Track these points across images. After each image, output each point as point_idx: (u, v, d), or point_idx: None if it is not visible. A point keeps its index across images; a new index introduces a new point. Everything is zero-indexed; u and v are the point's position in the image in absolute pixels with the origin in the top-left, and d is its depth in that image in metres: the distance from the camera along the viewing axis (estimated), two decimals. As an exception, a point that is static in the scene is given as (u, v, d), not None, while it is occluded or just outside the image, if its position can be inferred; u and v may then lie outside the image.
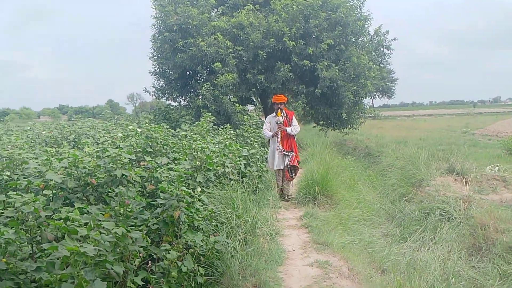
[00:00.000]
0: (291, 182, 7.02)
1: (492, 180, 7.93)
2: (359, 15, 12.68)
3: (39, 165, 3.97)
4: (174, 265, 3.18)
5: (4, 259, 2.12)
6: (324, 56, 11.64)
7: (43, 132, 9.17)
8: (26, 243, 2.71)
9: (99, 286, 2.00)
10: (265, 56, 11.26)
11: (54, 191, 3.81)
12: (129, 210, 2.96)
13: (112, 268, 2.24)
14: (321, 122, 14.45)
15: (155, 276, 3.06)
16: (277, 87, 11.70)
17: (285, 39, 10.93)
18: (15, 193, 3.13)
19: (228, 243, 3.91)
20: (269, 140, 7.32)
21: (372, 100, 58.74)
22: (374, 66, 12.64)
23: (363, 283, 3.94)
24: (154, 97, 14.04)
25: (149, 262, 3.17)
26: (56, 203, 3.62)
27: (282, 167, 6.88)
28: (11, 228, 2.62)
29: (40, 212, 2.80)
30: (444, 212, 6.06)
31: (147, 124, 8.47)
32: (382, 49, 14.35)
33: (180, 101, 14.01)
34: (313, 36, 11.87)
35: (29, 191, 3.70)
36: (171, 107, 14.30)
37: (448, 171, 8.13)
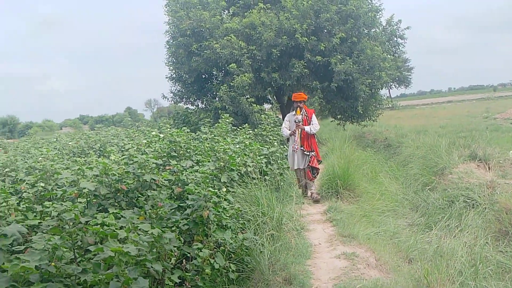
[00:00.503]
0: (313, 181, 6.93)
1: (516, 164, 7.82)
2: (370, 6, 12.63)
3: (72, 174, 4.18)
4: (207, 262, 3.32)
5: (53, 263, 2.29)
6: (337, 50, 11.65)
7: (69, 143, 9.50)
8: (68, 248, 2.89)
9: (142, 283, 2.15)
10: (278, 54, 11.35)
11: (88, 199, 4.00)
12: (161, 212, 3.11)
13: (152, 267, 2.39)
14: (338, 116, 14.45)
15: (190, 274, 3.21)
16: (292, 84, 11.78)
17: (297, 35, 11.00)
18: (50, 203, 3.33)
19: (256, 240, 4.04)
20: (288, 139, 7.29)
21: (389, 91, 58.15)
22: (389, 56, 12.57)
23: (391, 272, 4.01)
24: (172, 102, 14.29)
25: (184, 261, 3.32)
26: (91, 210, 3.82)
27: (302, 166, 6.82)
28: (53, 235, 2.81)
29: (79, 218, 2.99)
30: (468, 199, 6.04)
31: (168, 129, 8.71)
32: (395, 39, 14.25)
33: (198, 104, 14.23)
34: (325, 31, 11.89)
35: (64, 199, 3.91)
36: (189, 111, 14.53)
37: (470, 157, 8.05)
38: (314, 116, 6.95)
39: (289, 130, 6.95)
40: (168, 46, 13.57)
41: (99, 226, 2.89)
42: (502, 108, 35.78)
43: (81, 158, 6.91)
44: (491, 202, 5.75)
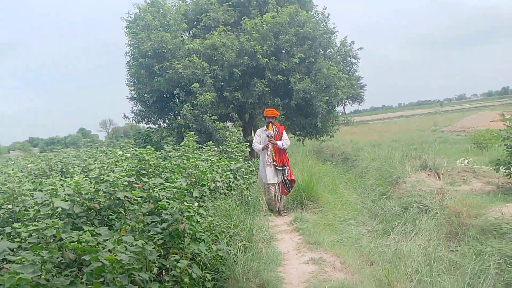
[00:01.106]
0: (284, 196, 6.99)
1: (463, 172, 8.55)
2: (325, 28, 13.37)
3: (45, 195, 4.21)
4: (185, 272, 3.48)
5: (43, 276, 2.39)
6: (296, 69, 12.20)
7: (28, 165, 9.25)
8: (52, 263, 2.97)
9: (133, 289, 2.30)
10: (240, 74, 11.71)
11: (60, 218, 4.04)
12: (142, 225, 3.25)
13: (139, 275, 2.54)
14: (297, 132, 14.95)
15: (169, 284, 3.35)
16: (254, 102, 12.16)
17: (258, 56, 11.43)
18: (19, 224, 3.38)
19: (229, 250, 4.23)
20: (259, 154, 7.34)
21: (344, 107, 60.22)
22: (343, 75, 13.28)
23: (355, 274, 4.32)
24: (134, 122, 14.22)
25: (162, 272, 3.46)
26: (66, 228, 3.87)
27: (274, 182, 6.81)
28: (36, 251, 2.88)
29: (60, 234, 3.08)
30: (421, 205, 6.57)
31: (131, 149, 8.73)
32: (349, 58, 15.09)
33: (160, 124, 14.25)
34: (284, 51, 12.44)
35: (36, 219, 3.93)
36: (151, 130, 14.52)
37: (421, 167, 8.70)
38: (284, 132, 7.05)
39: (261, 144, 7.00)
40: (128, 67, 13.59)
41: (76, 243, 3.00)
42: (448, 122, 38.27)
43: (44, 180, 6.81)
44: (442, 207, 6.29)
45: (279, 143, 6.81)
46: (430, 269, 4.51)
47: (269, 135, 6.81)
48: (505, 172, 7.17)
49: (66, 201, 4.09)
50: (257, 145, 7.02)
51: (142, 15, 13.19)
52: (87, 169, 7.96)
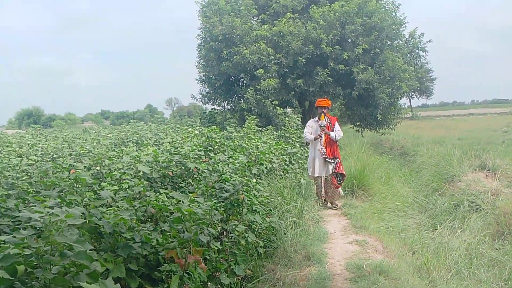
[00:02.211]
0: (339, 189, 6.71)
1: (523, 176, 8.33)
2: (394, 19, 13.22)
3: (130, 159, 4.99)
4: (242, 236, 4.06)
5: (134, 220, 3.06)
6: (360, 59, 12.29)
7: (108, 135, 10.44)
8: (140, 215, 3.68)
9: (203, 238, 2.91)
10: (304, 62, 12.06)
11: (141, 181, 4.79)
12: (211, 190, 3.87)
13: (207, 228, 3.15)
14: (357, 123, 15.04)
15: (228, 244, 3.96)
16: (315, 90, 12.47)
17: (323, 45, 11.69)
18: (105, 183, 4.12)
19: (281, 224, 4.76)
20: (309, 146, 7.24)
21: (410, 100, 57.97)
22: (409, 68, 13.12)
23: (396, 258, 4.67)
24: (201, 103, 15.17)
25: (224, 233, 4.08)
26: (147, 189, 4.62)
27: (323, 174, 6.62)
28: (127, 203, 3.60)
29: (146, 192, 3.78)
30: (472, 204, 6.65)
31: (198, 127, 9.53)
32: (417, 51, 14.78)
33: (224, 106, 15.05)
34: (349, 41, 12.55)
35: (122, 181, 4.71)
36: (215, 111, 15.39)
37: (479, 167, 8.61)
38: (337, 123, 6.83)
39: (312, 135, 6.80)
40: (199, 50, 14.44)
41: (155, 201, 3.67)
42: (524, 123, 35.48)
43: (124, 148, 7.78)
44: (493, 207, 6.34)
45: (332, 133, 6.60)
46: (470, 263, 4.73)
47: (322, 125, 6.60)
48: None
49: (147, 167, 4.84)
50: (308, 135, 6.82)
51: (215, -1, 13.89)
52: (159, 143, 8.88)
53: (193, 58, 15.09)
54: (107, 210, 3.05)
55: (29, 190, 3.73)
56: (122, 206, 3.07)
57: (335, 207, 6.65)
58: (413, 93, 54.94)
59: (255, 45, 12.16)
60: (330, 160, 6.58)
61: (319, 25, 11.97)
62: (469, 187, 7.46)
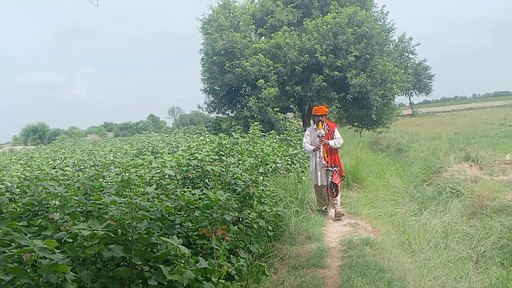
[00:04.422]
0: (337, 198, 6.46)
1: (503, 165, 9.24)
2: (383, 27, 14.22)
3: (157, 164, 5.97)
4: (254, 221, 5.02)
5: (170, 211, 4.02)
6: (353, 65, 13.28)
7: (124, 146, 11.47)
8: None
9: (227, 217, 3.88)
10: (300, 70, 13.06)
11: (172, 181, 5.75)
12: (228, 185, 4.84)
13: (228, 213, 4.11)
14: (355, 124, 15.99)
15: (244, 228, 4.91)
16: (312, 95, 13.46)
17: (317, 54, 12.69)
18: (134, 187, 5.06)
19: (285, 212, 5.71)
20: (308, 154, 7.36)
21: (409, 98, 58.81)
22: (400, 70, 14.09)
23: (383, 235, 5.60)
24: (207, 112, 16.22)
25: (239, 220, 5.04)
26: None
27: (325, 183, 6.52)
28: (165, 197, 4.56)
29: (177, 189, 4.74)
30: (453, 190, 7.56)
31: (207, 135, 10.51)
32: (406, 54, 15.77)
33: (228, 114, 16.07)
34: (342, 50, 13.55)
35: (150, 184, 5.67)
36: (220, 119, 16.42)
37: (464, 159, 9.52)
38: (336, 130, 6.61)
39: (311, 145, 6.61)
40: (202, 63, 15.51)
41: (182, 196, 4.64)
42: (521, 115, 36.21)
43: (143, 157, 8.79)
44: (471, 192, 7.25)
45: (331, 142, 6.39)
46: (446, 237, 5.65)
47: (320, 135, 6.39)
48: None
49: (172, 170, 5.80)
50: (307, 145, 6.63)
51: (215, 16, 14.96)
52: (173, 151, 9.88)
53: (193, 67, 16.16)
54: (151, 203, 4.03)
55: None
56: (163, 200, 4.04)
57: (339, 213, 6.30)
58: (412, 91, 55.80)
59: (255, 58, 13.19)
60: (331, 168, 6.44)
61: (313, 36, 12.99)
62: (453, 177, 8.37)
